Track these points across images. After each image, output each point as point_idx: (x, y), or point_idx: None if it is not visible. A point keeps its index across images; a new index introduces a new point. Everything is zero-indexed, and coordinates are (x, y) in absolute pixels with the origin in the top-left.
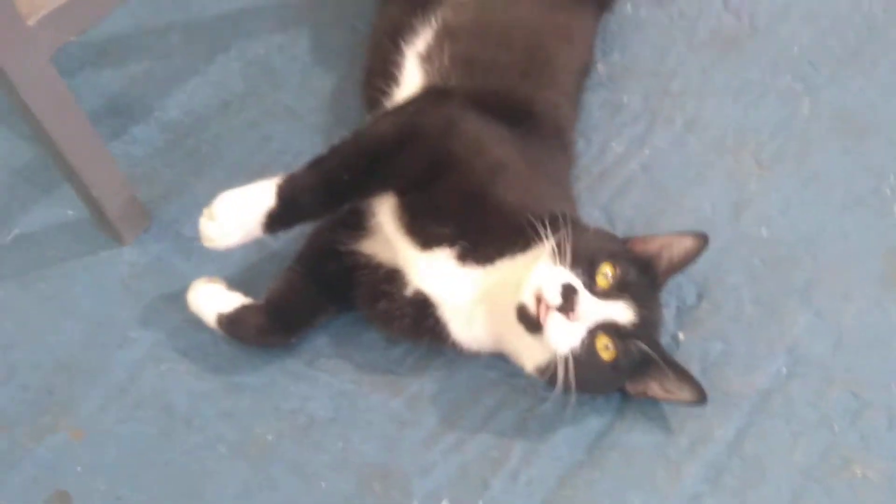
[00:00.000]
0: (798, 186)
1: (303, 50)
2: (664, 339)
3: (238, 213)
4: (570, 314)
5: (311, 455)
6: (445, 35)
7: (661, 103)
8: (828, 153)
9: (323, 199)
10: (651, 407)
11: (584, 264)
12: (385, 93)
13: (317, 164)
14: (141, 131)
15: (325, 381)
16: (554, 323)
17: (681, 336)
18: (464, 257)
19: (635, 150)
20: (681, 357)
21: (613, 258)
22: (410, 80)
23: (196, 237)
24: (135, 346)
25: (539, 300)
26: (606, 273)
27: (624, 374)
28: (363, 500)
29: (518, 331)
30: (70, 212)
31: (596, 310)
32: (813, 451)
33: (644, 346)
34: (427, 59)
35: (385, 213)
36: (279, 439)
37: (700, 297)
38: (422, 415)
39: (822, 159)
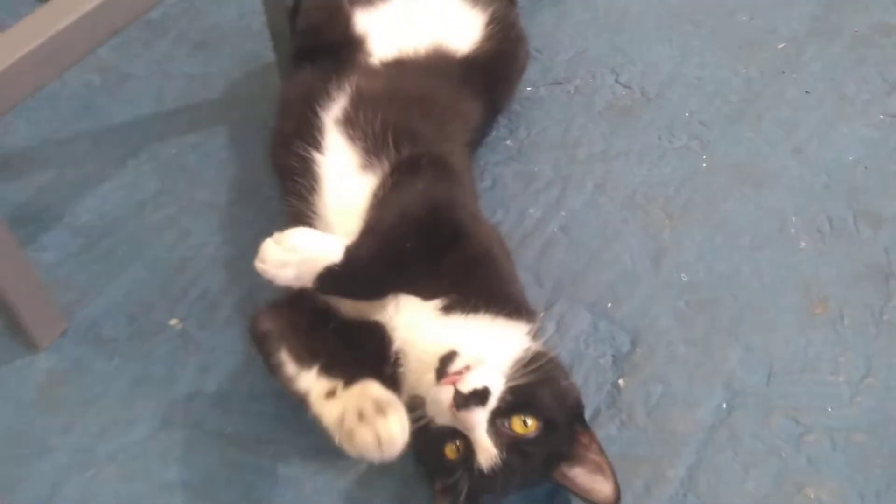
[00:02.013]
0: (709, 233)
1: (216, 147)
2: (605, 388)
3: (305, 251)
4: (456, 407)
5: None
6: (367, 101)
7: (570, 170)
8: (731, 201)
9: (381, 269)
10: None
11: (521, 396)
12: (304, 158)
13: (371, 234)
14: (51, 238)
15: (268, 468)
16: (440, 393)
17: (621, 383)
18: (449, 308)
19: (552, 213)
20: (623, 402)
21: (550, 424)
22: (333, 144)
23: (115, 336)
24: (56, 455)
25: (458, 371)
26: (527, 422)
27: (439, 481)
28: None
29: (430, 379)
30: None
31: (477, 429)
32: (765, 479)
33: (465, 483)
34: (350, 124)
35: None
36: None
37: (634, 343)
38: (373, 493)
39: (726, 207)
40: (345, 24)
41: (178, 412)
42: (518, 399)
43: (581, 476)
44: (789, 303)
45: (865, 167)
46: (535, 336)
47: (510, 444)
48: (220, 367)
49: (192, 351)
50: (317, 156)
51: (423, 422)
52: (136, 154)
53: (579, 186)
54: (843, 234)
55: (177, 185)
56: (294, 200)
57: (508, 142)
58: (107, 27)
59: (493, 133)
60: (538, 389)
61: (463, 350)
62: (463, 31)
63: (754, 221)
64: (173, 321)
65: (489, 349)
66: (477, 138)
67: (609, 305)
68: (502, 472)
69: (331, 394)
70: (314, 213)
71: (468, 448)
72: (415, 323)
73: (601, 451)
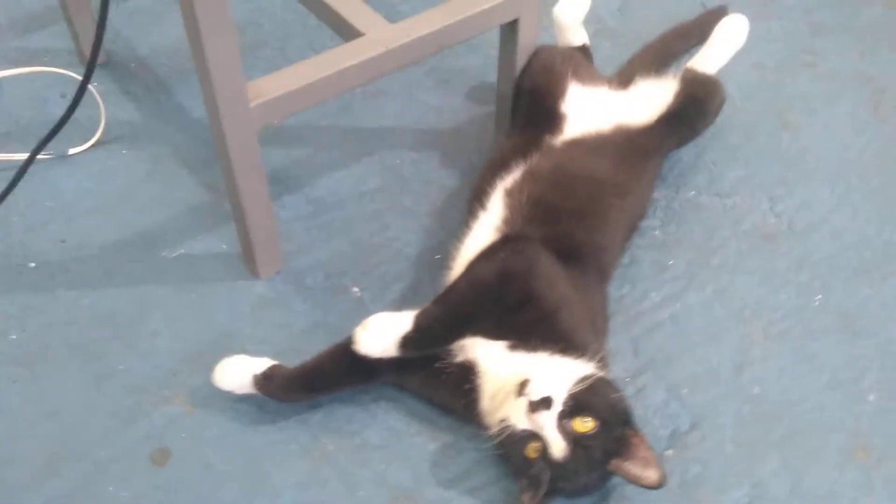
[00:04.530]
0: (793, 362)
1: (429, 166)
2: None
3: (382, 331)
4: (529, 413)
5: (357, 469)
6: (528, 177)
7: (699, 271)
8: (825, 341)
9: (446, 330)
10: None
11: (578, 402)
12: (476, 216)
13: (441, 301)
14: (291, 200)
15: (382, 417)
16: (517, 405)
17: (669, 453)
18: (515, 346)
19: (670, 302)
20: (665, 469)
21: (605, 424)
22: (494, 209)
23: (312, 286)
24: (246, 354)
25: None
26: (586, 421)
27: (525, 479)
28: None
29: (511, 401)
30: (224, 246)
31: (547, 427)
32: None
33: (547, 473)
34: (509, 194)
35: None
36: (337, 451)
37: (692, 426)
38: (451, 461)
39: (818, 345)
40: (560, 93)
41: None
42: (577, 405)
43: (633, 468)
44: (837, 440)
45: None
46: (595, 365)
47: (575, 440)
48: None
49: (363, 315)
50: (481, 213)
51: (508, 432)
52: (370, 154)
53: (701, 287)
54: None
55: (391, 188)
56: (459, 241)
57: (657, 232)
58: (390, 65)
59: (648, 222)
60: (592, 397)
61: (533, 378)
62: (653, 103)
63: (838, 365)
64: (355, 289)
65: (553, 376)
66: (641, 213)
67: (685, 391)
68: (571, 461)
69: None
70: (455, 258)
71: (544, 446)
72: (490, 359)
73: (649, 448)
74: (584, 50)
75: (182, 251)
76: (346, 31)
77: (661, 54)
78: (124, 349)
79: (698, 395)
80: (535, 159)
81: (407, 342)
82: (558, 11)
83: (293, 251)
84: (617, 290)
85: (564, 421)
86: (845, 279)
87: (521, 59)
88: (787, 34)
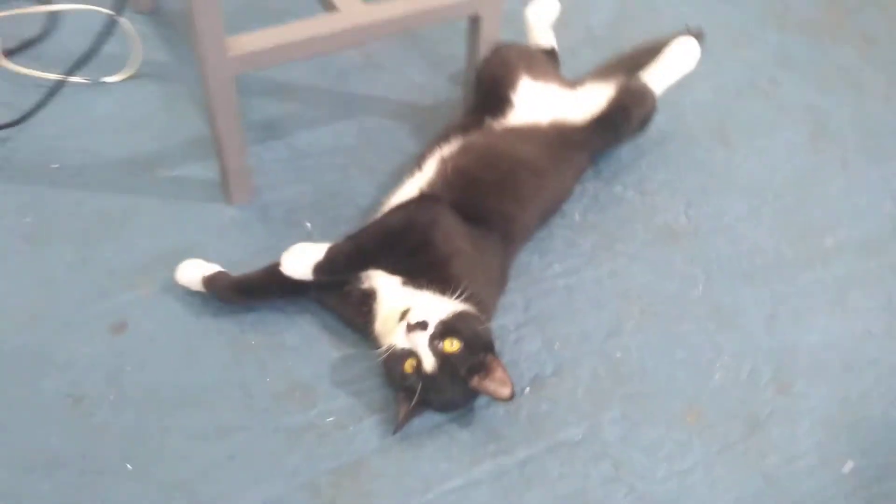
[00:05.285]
0: (658, 338)
1: (399, 135)
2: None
3: (300, 257)
4: (407, 333)
5: (271, 361)
6: (462, 149)
7: (602, 253)
8: (691, 326)
9: (352, 263)
10: None
11: (448, 327)
12: (412, 174)
13: (352, 238)
14: (275, 144)
15: (301, 324)
16: (399, 328)
17: (527, 391)
18: (406, 283)
19: (568, 274)
20: (518, 403)
21: (469, 347)
22: (427, 170)
23: (273, 217)
24: (206, 258)
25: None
26: (453, 343)
27: (402, 390)
28: None
29: (395, 325)
30: (210, 175)
31: (420, 345)
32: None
33: (419, 385)
34: (440, 161)
35: None
36: (258, 345)
37: (554, 373)
38: (347, 368)
39: (685, 328)
40: (510, 83)
41: None
42: (446, 329)
43: (490, 384)
44: (674, 405)
45: (823, 354)
46: (470, 306)
47: (443, 357)
48: None
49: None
50: (417, 171)
51: (391, 350)
52: (351, 117)
53: (598, 266)
54: (749, 385)
55: (362, 147)
56: (392, 192)
57: (577, 216)
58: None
59: (571, 206)
60: (460, 325)
61: (414, 307)
62: (591, 105)
63: (696, 347)
64: (308, 224)
65: (431, 307)
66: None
67: (557, 345)
68: (439, 375)
69: None
70: (383, 206)
71: (418, 362)
72: (386, 290)
73: (504, 370)
74: (550, 52)
75: (175, 173)
76: (326, 3)
77: (627, 65)
78: (111, 241)
79: (567, 351)
80: (473, 136)
81: (319, 268)
82: (529, 13)
83: (265, 185)
84: (527, 256)
85: (436, 342)
86: (730, 279)
87: (483, 51)
88: (755, 63)
